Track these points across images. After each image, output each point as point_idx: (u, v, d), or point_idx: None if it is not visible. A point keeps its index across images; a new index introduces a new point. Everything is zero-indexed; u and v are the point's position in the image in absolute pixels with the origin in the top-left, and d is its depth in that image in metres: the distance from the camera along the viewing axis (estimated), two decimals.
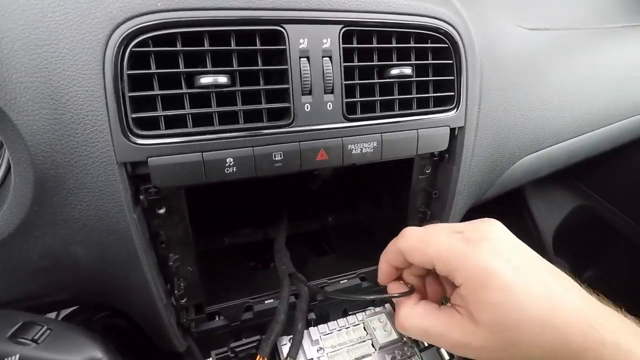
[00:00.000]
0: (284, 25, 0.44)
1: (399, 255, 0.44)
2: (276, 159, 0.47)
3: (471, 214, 0.67)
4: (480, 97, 0.58)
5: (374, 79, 0.50)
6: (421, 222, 0.66)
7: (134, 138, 0.41)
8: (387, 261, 0.46)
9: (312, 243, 0.80)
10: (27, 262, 0.43)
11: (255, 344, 0.51)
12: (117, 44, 0.39)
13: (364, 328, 0.55)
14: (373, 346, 0.52)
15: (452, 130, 0.57)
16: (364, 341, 0.53)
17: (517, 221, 1.50)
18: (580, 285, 0.37)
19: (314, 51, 0.46)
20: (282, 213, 0.76)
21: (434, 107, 0.54)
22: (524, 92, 0.65)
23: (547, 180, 1.46)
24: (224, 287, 0.64)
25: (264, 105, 0.45)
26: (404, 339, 0.53)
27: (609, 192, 1.39)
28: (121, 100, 0.40)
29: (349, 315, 0.57)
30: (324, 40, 0.46)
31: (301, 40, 0.45)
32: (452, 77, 0.54)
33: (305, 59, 0.46)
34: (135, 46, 0.39)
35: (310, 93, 0.47)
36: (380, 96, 0.51)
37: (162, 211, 0.48)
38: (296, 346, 0.50)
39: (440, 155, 0.60)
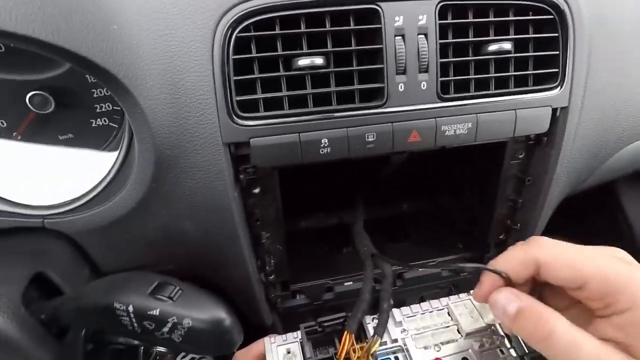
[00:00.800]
0: (379, 3, 0.43)
1: (529, 266, 0.36)
2: (369, 139, 0.47)
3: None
4: (588, 72, 0.53)
5: (469, 56, 0.48)
6: (511, 210, 0.62)
7: (237, 120, 0.43)
8: (507, 269, 0.37)
9: (387, 230, 0.80)
10: (144, 235, 0.48)
11: (341, 320, 0.52)
12: (225, 30, 0.41)
13: (448, 313, 0.53)
14: (459, 332, 0.51)
15: (554, 110, 0.52)
16: (448, 326, 0.51)
17: (604, 219, 1.36)
18: None
19: (409, 29, 0.45)
20: (358, 198, 0.76)
21: (534, 85, 0.51)
22: None
23: None
24: (305, 267, 0.66)
25: (356, 86, 0.45)
26: (492, 327, 0.51)
27: None
28: (227, 84, 0.42)
29: (431, 300, 0.55)
30: (420, 17, 0.45)
31: (396, 18, 0.44)
32: (557, 52, 0.50)
33: (401, 37, 0.45)
34: (240, 32, 0.41)
35: (404, 72, 0.46)
36: (475, 74, 0.49)
37: (257, 191, 0.51)
38: (382, 325, 0.50)
39: (537, 139, 0.56)
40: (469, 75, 0.48)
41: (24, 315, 0.37)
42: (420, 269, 0.65)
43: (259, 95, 0.43)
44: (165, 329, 0.32)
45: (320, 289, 0.62)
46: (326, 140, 0.45)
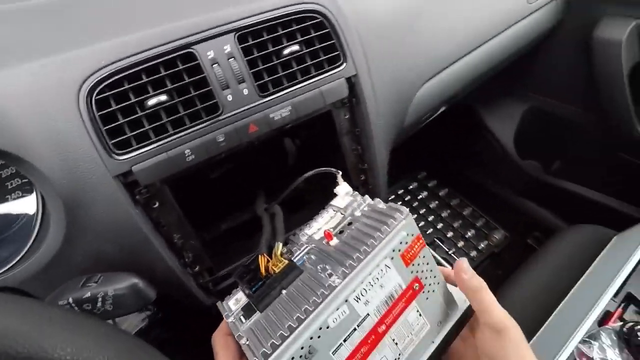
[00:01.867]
0: (193, 47, 0.62)
1: None
2: (220, 140, 0.64)
3: (429, 144, 0.83)
4: (363, 47, 0.75)
5: (274, 61, 0.68)
6: (358, 157, 0.83)
7: (117, 156, 0.59)
8: None
9: (290, 206, 0.98)
10: (77, 264, 0.61)
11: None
12: (85, 97, 0.56)
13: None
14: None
15: (349, 79, 0.74)
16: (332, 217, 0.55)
17: (478, 138, 1.66)
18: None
19: (220, 57, 0.63)
20: (258, 189, 0.94)
21: (329, 66, 0.71)
22: (405, 29, 0.82)
23: (493, 93, 1.62)
24: (231, 253, 0.81)
25: (200, 106, 0.63)
26: None
27: (547, 89, 1.54)
28: (100, 133, 0.57)
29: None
30: (225, 47, 0.64)
31: (208, 53, 0.63)
32: (333, 41, 0.71)
33: (217, 64, 0.63)
34: (97, 94, 0.57)
35: (228, 87, 0.64)
36: (283, 71, 0.68)
37: (156, 205, 0.66)
38: (280, 232, 0.67)
39: (350, 101, 0.77)
40: (279, 73, 0.68)
41: None
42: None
43: (129, 134, 0.59)
44: (99, 304, 0.47)
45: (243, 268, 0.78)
46: (189, 150, 0.62)
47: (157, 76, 0.60)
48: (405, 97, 0.84)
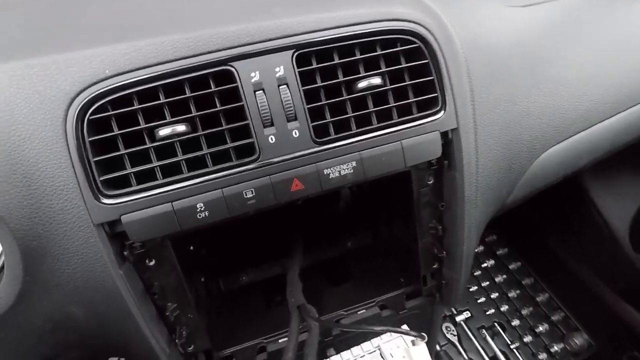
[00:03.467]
0: (231, 64, 0.44)
1: None
2: (248, 196, 0.46)
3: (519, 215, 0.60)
4: (472, 92, 0.52)
5: (342, 96, 0.48)
6: (435, 238, 0.60)
7: (104, 199, 0.42)
8: None
9: (331, 271, 0.77)
10: (34, 327, 0.46)
11: None
12: (75, 115, 0.41)
13: (380, 354, 0.50)
14: None
15: (445, 134, 0.51)
16: None
17: (580, 213, 1.32)
18: None
19: (267, 82, 0.45)
20: (296, 243, 0.74)
21: (418, 112, 0.50)
22: (530, 76, 0.58)
23: (610, 165, 1.27)
24: (237, 328, 0.63)
25: (229, 145, 0.45)
26: None
27: None
28: (87, 166, 0.42)
29: (363, 344, 0.52)
30: (277, 69, 0.45)
31: (252, 74, 0.44)
32: (432, 77, 0.50)
33: (261, 91, 0.45)
34: (93, 113, 0.41)
35: (272, 124, 0.45)
36: (354, 112, 0.48)
37: (152, 263, 0.49)
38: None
39: (440, 163, 0.55)
40: (347, 114, 0.48)
41: None
42: (358, 313, 0.62)
43: (129, 170, 0.43)
44: None
45: (252, 351, 0.59)
46: (202, 205, 0.44)
47: (179, 97, 0.43)
48: (518, 167, 0.59)
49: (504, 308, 1.36)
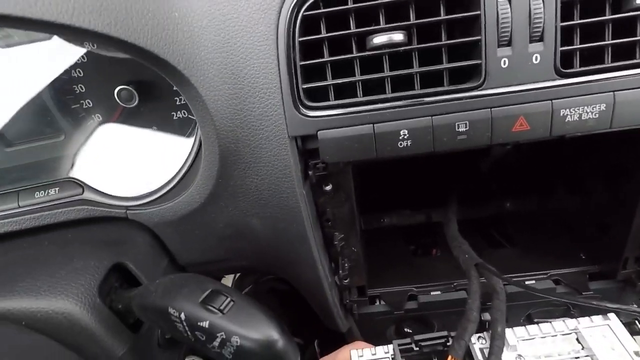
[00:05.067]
0: None
1: None
2: (460, 129, 0.38)
3: None
4: None
5: (605, 15, 0.36)
6: None
7: (304, 110, 0.39)
8: None
9: (484, 233, 0.69)
10: (216, 230, 0.47)
11: (443, 340, 0.44)
12: (290, 9, 0.36)
13: (578, 340, 0.42)
14: None
15: None
16: (577, 357, 0.40)
17: None
18: None
19: None
20: (451, 195, 0.67)
21: None
22: None
23: None
24: (385, 270, 0.60)
25: (445, 65, 0.37)
26: None
27: None
28: (293, 70, 0.38)
29: (553, 321, 0.44)
30: None
31: None
32: None
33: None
34: (307, 10, 0.36)
35: (509, 44, 0.36)
36: (613, 39, 0.36)
37: (328, 188, 0.46)
38: (497, 354, 0.41)
39: None
40: (604, 40, 0.36)
41: (99, 306, 0.38)
42: (526, 284, 0.54)
43: (329, 81, 0.38)
44: (216, 343, 0.30)
45: (402, 297, 0.55)
46: (406, 132, 0.38)
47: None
48: None
49: None
